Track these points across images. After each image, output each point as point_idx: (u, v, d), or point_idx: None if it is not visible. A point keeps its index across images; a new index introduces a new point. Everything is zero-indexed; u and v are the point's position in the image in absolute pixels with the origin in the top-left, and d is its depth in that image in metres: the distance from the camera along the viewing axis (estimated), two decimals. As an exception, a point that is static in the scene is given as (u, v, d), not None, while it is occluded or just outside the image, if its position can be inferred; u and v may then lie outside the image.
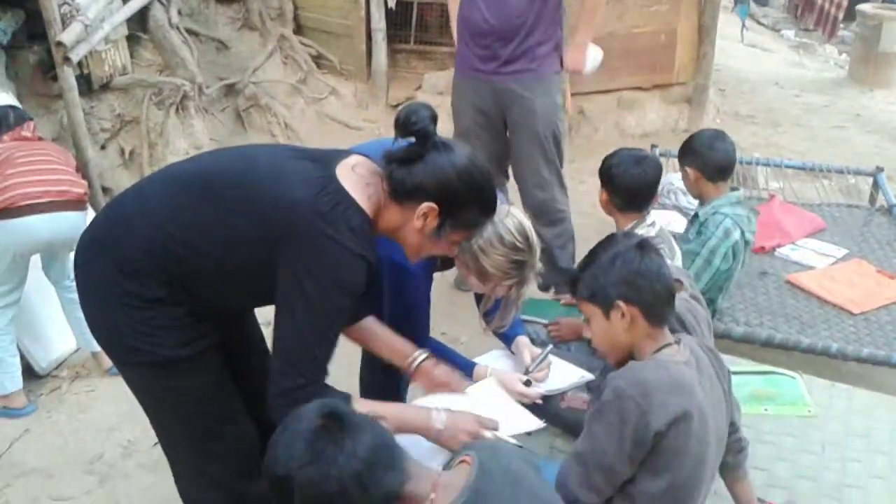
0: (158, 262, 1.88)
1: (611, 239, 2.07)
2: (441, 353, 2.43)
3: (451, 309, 3.94)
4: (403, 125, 1.87)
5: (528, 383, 2.45)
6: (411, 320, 2.44)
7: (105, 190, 4.64)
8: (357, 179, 1.89)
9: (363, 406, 1.95)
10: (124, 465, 3.19)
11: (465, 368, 2.47)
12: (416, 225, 1.91)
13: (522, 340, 2.60)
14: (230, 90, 6.16)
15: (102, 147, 4.94)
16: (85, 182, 3.59)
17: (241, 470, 2.17)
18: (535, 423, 2.25)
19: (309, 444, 1.42)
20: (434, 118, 1.90)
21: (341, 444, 1.41)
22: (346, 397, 1.95)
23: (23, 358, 3.71)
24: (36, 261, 3.57)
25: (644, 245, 1.98)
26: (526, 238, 2.22)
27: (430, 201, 1.88)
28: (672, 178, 4.40)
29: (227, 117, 6.04)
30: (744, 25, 10.45)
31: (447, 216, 1.91)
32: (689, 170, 3.13)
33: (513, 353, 2.61)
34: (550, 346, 2.59)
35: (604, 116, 6.71)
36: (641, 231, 2.77)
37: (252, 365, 2.30)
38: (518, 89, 3.84)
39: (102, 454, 3.26)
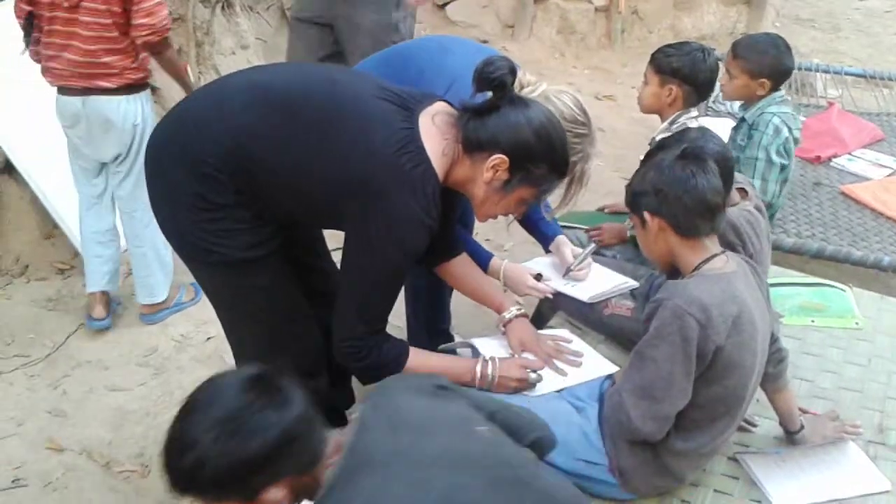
0: (230, 171, 1.89)
1: (661, 147, 2.05)
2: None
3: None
4: (480, 76, 1.85)
5: (538, 277, 2.47)
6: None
7: (153, 90, 4.64)
8: (435, 133, 1.88)
9: (417, 356, 2.04)
10: (178, 358, 3.29)
11: (484, 261, 2.49)
12: (485, 177, 1.89)
13: (561, 239, 2.61)
14: (276, -12, 6.04)
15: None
16: None
17: (304, 366, 2.25)
18: (608, 367, 2.24)
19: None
20: (513, 70, 1.88)
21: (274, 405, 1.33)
22: (405, 347, 2.04)
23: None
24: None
25: (688, 154, 1.95)
26: (584, 111, 2.23)
27: (501, 153, 1.86)
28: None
29: (271, 16, 5.96)
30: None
31: (517, 170, 1.89)
32: (740, 71, 3.05)
33: (551, 252, 2.62)
34: (593, 245, 2.61)
35: (658, 17, 6.52)
36: (683, 120, 2.81)
37: (317, 267, 2.36)
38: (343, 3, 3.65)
39: (157, 347, 3.36)
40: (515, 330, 2.28)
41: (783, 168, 3.03)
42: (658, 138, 2.80)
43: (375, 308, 1.97)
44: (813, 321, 2.79)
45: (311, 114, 1.89)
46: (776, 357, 2.11)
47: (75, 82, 3.14)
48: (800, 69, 4.91)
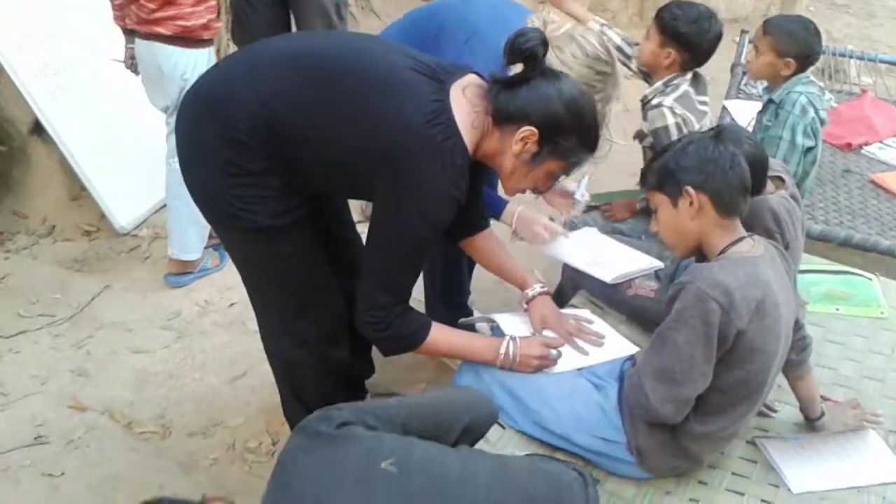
0: (261, 138, 1.89)
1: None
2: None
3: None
4: (511, 47, 1.85)
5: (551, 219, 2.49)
6: None
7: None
8: (466, 106, 1.87)
9: (439, 331, 2.05)
10: (201, 322, 3.32)
11: (497, 208, 2.50)
12: (514, 149, 1.89)
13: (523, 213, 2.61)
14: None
15: None
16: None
17: (326, 333, 2.28)
18: (629, 348, 2.24)
19: None
20: (544, 42, 1.86)
21: None
22: (427, 320, 2.05)
23: (103, 216, 3.84)
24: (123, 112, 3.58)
25: (721, 134, 1.95)
26: (608, 50, 2.23)
27: (530, 125, 1.86)
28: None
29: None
30: None
31: (546, 142, 1.88)
32: (768, 48, 3.02)
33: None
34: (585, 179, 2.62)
35: (691, -2, 6.44)
36: (677, 82, 2.81)
37: (343, 236, 2.37)
38: None
39: (180, 312, 3.39)
40: (538, 307, 2.28)
41: (809, 150, 3.00)
42: (649, 96, 2.87)
43: (400, 279, 1.98)
44: (838, 309, 2.77)
45: (344, 82, 1.89)
46: (800, 344, 2.10)
47: (140, 27, 3.20)
48: (833, 55, 4.84)
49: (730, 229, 1.93)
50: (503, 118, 1.88)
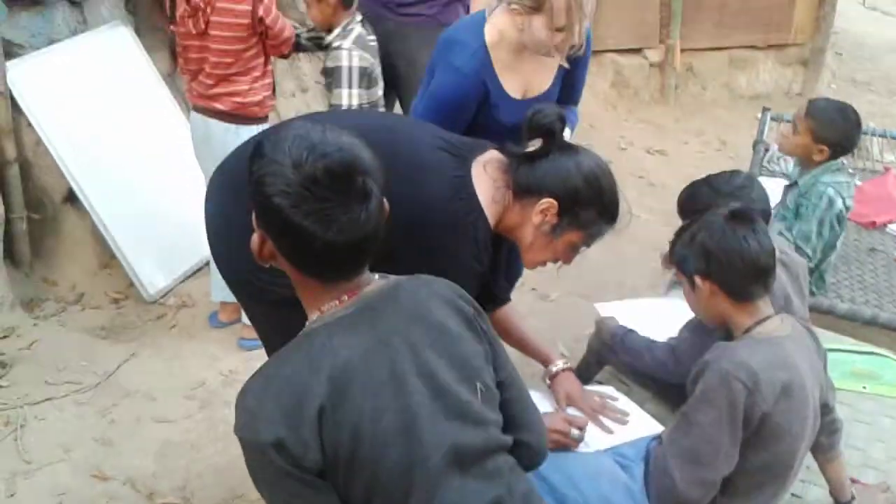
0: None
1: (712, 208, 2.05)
2: None
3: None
4: (530, 123, 1.92)
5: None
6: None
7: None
8: (487, 181, 1.92)
9: None
10: (224, 392, 3.32)
11: None
12: (534, 221, 1.92)
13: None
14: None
15: (213, 84, 5.05)
16: None
17: None
18: (655, 427, 2.20)
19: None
20: (561, 118, 1.92)
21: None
22: None
23: (131, 284, 3.89)
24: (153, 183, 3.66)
25: (737, 215, 1.94)
26: None
27: (550, 197, 1.90)
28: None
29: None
30: (866, -14, 9.95)
31: (566, 213, 1.92)
32: (806, 129, 3.05)
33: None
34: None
35: (714, 75, 6.54)
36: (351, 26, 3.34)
37: None
38: (407, 36, 3.70)
39: (204, 381, 3.40)
40: (562, 383, 2.27)
41: (832, 240, 3.08)
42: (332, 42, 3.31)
43: None
44: (865, 388, 2.75)
45: None
46: (830, 427, 2.08)
47: (199, 101, 3.36)
48: (856, 132, 4.87)
49: (751, 310, 1.93)
50: (523, 191, 1.92)
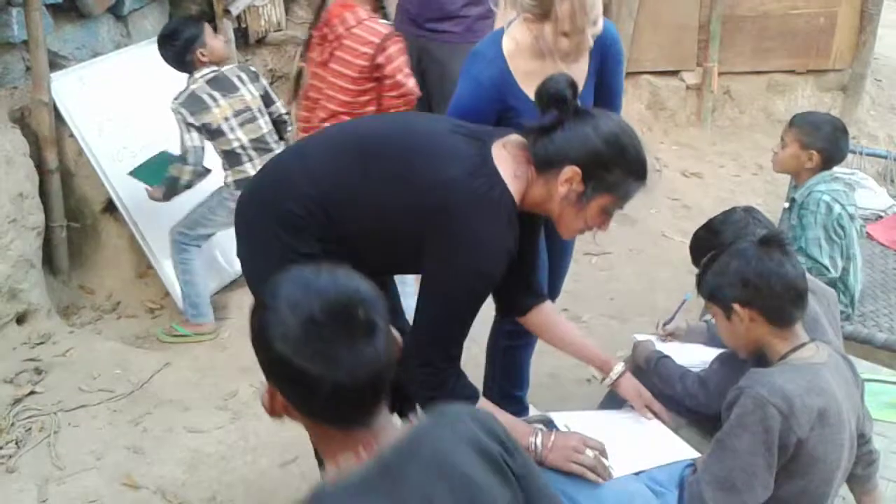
0: (316, 219, 1.95)
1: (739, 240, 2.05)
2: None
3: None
4: (540, 94, 1.90)
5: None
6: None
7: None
8: (507, 157, 1.91)
9: (486, 404, 2.03)
10: (255, 404, 3.32)
11: None
12: (560, 192, 1.90)
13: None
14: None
15: (254, 100, 5.11)
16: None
17: None
18: (689, 452, 2.12)
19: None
20: (573, 85, 1.89)
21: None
22: (477, 391, 2.04)
23: (167, 294, 3.93)
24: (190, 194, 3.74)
25: (768, 241, 1.94)
26: None
27: (572, 164, 1.87)
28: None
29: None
30: (909, 12, 9.84)
31: (591, 178, 1.89)
32: (792, 139, 3.08)
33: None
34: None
35: (751, 99, 6.48)
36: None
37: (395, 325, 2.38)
38: (437, 53, 3.78)
39: (236, 392, 3.42)
40: (630, 382, 2.26)
41: (842, 245, 3.04)
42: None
43: (452, 335, 1.97)
44: (903, 419, 2.70)
45: (388, 153, 1.96)
46: (866, 459, 2.05)
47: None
48: (893, 159, 4.83)
49: (789, 336, 1.92)
50: (544, 164, 1.90)
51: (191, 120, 3.48)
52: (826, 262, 2.98)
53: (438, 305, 1.94)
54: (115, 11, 4.17)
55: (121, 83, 3.95)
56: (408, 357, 1.91)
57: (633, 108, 6.44)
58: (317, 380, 1.23)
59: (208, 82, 3.56)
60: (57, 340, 3.59)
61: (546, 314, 2.32)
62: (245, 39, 4.92)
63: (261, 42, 5.07)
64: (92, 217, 4.03)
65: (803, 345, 1.91)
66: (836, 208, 2.99)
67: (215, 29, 4.43)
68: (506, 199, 1.87)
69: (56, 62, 3.85)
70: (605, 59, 2.57)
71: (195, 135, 3.51)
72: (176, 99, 3.51)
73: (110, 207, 3.98)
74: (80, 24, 4.02)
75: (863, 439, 2.01)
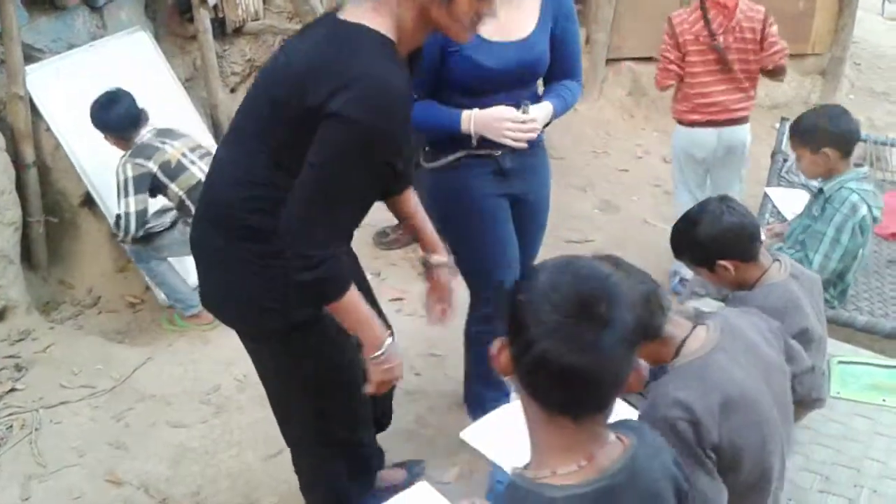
0: (253, 210, 1.90)
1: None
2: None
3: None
4: None
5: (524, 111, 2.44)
6: None
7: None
8: (361, 8, 1.80)
9: (356, 294, 1.92)
10: (238, 398, 3.32)
11: (454, 122, 2.45)
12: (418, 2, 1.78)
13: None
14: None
15: (232, 90, 5.06)
16: None
17: (348, 421, 2.33)
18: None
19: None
20: None
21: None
22: (351, 279, 1.92)
23: (147, 288, 3.90)
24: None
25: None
26: None
27: None
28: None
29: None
30: (886, -3, 9.89)
31: None
32: (800, 148, 3.06)
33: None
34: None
35: (731, 84, 6.49)
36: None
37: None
38: None
39: (219, 386, 3.40)
40: (441, 277, 2.30)
41: (855, 248, 3.02)
42: None
43: (342, 213, 1.86)
44: (884, 400, 2.71)
45: (252, 104, 1.94)
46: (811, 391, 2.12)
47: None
48: (875, 143, 4.83)
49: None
50: None
51: (148, 166, 3.47)
52: (816, 257, 2.98)
53: (328, 177, 1.78)
54: (90, 3, 4.12)
55: (97, 75, 3.91)
56: (287, 235, 1.82)
57: (615, 95, 6.45)
58: (557, 360, 1.24)
59: (154, 134, 3.59)
60: (37, 336, 3.56)
61: (409, 197, 2.29)
62: (222, 29, 4.86)
63: (238, 32, 5.02)
64: (70, 211, 3.99)
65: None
66: (863, 209, 2.97)
67: (191, 19, 4.39)
68: (373, 38, 1.77)
69: (31, 55, 3.81)
70: (558, 17, 2.54)
71: (131, 199, 3.46)
72: (122, 157, 3.50)
73: (88, 201, 3.94)
74: (55, 16, 3.97)
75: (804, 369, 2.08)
